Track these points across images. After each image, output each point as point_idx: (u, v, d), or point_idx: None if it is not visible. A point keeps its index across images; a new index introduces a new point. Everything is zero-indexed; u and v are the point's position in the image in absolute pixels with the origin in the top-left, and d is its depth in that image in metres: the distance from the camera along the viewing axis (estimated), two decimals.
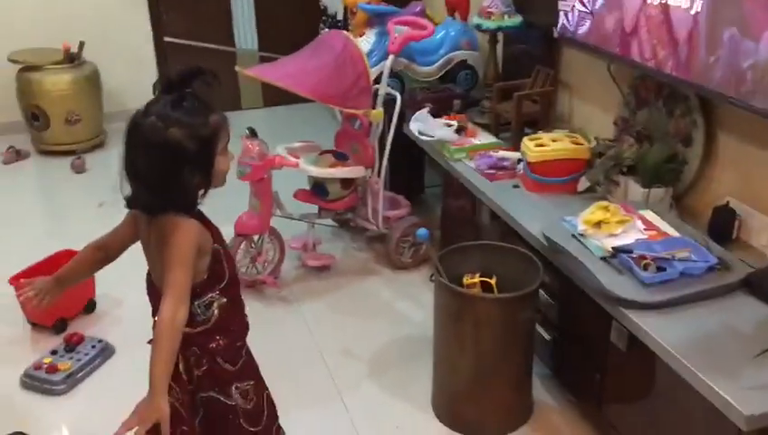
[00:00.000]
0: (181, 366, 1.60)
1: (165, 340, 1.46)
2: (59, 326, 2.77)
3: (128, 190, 1.52)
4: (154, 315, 1.69)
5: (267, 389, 1.79)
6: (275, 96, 4.97)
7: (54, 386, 2.45)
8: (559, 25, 2.68)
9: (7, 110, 4.65)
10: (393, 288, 3.08)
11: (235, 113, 5.36)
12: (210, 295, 1.60)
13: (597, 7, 2.46)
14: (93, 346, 2.63)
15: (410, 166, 3.57)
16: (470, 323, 2.12)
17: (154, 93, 1.52)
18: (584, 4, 2.51)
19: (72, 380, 2.49)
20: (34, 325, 2.80)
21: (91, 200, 3.80)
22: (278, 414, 1.83)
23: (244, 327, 1.73)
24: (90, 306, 2.91)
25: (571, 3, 2.59)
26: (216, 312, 1.60)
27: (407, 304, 2.93)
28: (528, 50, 3.14)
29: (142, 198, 1.52)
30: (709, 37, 2.00)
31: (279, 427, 1.83)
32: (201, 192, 1.56)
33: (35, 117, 4.46)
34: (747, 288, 1.88)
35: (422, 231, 2.29)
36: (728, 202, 2.12)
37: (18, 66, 4.45)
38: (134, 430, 1.43)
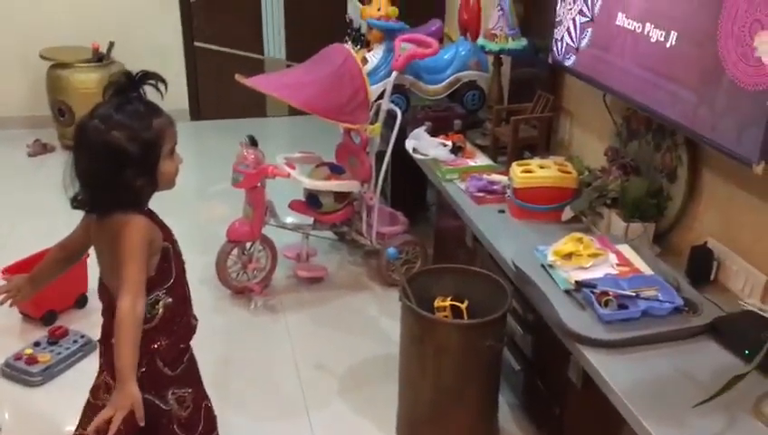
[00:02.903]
0: None
1: (127, 330, 1.47)
2: (48, 318, 2.83)
3: (72, 191, 1.55)
4: (104, 315, 1.73)
5: (207, 399, 1.80)
6: None
7: (31, 377, 2.50)
8: (552, 53, 2.66)
9: (37, 104, 4.83)
10: (381, 305, 3.07)
11: (260, 120, 5.45)
12: (156, 294, 1.61)
13: (582, 44, 2.44)
14: (76, 341, 2.68)
15: (413, 183, 3.56)
16: (431, 348, 2.09)
17: (103, 97, 1.55)
18: (571, 38, 2.49)
19: (50, 372, 2.53)
20: (25, 316, 2.87)
21: None
22: (216, 426, 1.83)
23: (189, 330, 1.74)
24: (81, 301, 2.96)
25: (561, 33, 2.57)
26: (160, 311, 1.62)
27: (391, 323, 2.89)
28: (535, 74, 3.10)
29: (87, 198, 1.56)
30: (682, 73, 1.96)
31: None
32: (147, 193, 1.58)
33: (62, 112, 4.60)
34: (713, 333, 1.81)
35: (391, 250, 2.29)
36: (706, 242, 2.05)
37: (49, 63, 4.60)
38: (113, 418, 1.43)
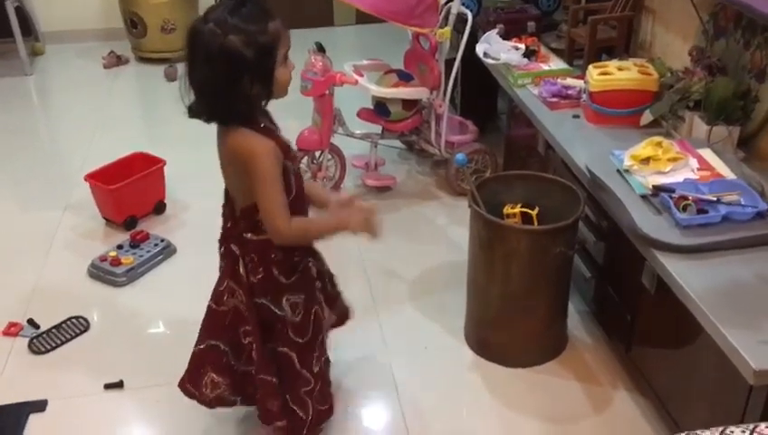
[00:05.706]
0: (242, 269, 1.65)
1: (307, 239, 1.68)
2: (129, 223, 2.95)
3: (188, 100, 1.52)
4: (224, 221, 1.72)
5: (318, 304, 1.79)
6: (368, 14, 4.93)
7: (116, 278, 2.63)
8: None
9: (111, 16, 4.89)
10: (450, 214, 3.06)
11: (328, 29, 5.37)
12: None
13: None
14: (156, 244, 2.79)
15: (483, 91, 3.46)
16: (500, 253, 2.08)
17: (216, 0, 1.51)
18: None
19: (133, 273, 2.66)
20: (108, 221, 3.00)
21: (179, 108, 3.96)
22: (323, 330, 1.84)
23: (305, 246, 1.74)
24: (159, 207, 3.07)
25: None
26: None
27: (460, 232, 2.88)
28: None
29: (202, 106, 1.51)
30: None
31: (324, 339, 1.85)
32: (262, 102, 1.56)
33: (134, 24, 4.65)
34: None
35: (460, 156, 2.24)
36: None
37: None
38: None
